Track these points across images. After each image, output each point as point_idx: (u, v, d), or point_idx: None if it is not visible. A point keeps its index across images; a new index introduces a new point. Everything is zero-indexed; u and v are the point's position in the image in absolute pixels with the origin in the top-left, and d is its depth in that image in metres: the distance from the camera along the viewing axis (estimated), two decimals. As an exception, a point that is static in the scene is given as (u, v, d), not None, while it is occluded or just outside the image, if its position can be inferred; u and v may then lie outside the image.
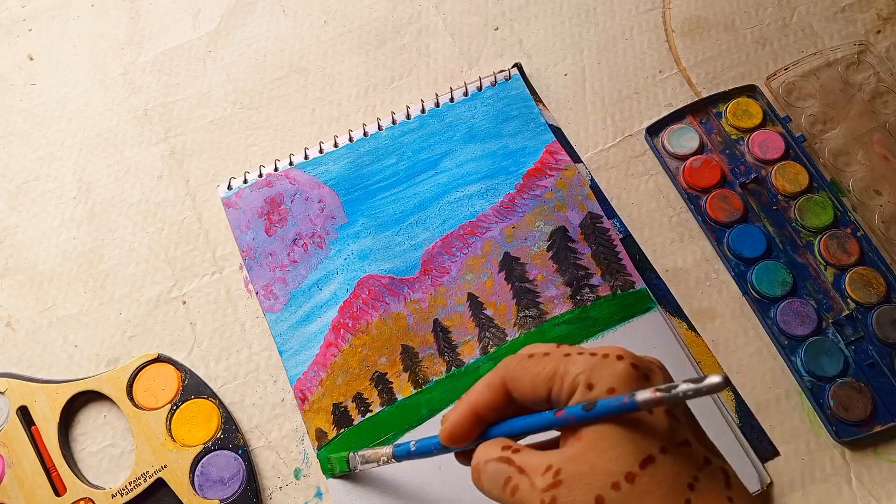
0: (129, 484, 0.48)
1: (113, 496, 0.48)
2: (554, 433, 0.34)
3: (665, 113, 0.58)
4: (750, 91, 0.58)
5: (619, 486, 0.29)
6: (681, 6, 0.62)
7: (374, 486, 0.48)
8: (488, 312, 0.52)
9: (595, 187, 0.56)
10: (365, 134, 0.58)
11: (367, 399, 0.50)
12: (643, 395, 0.29)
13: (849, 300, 0.52)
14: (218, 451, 0.49)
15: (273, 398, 0.51)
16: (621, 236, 0.54)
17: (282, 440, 0.50)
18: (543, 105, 0.59)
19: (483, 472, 0.34)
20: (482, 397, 0.35)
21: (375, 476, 0.48)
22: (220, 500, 0.48)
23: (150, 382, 0.51)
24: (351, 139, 0.58)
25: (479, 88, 0.59)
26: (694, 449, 0.31)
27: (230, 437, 0.50)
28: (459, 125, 0.58)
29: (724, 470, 0.31)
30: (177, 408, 0.50)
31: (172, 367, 0.51)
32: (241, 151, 0.59)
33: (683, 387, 0.28)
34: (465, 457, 0.37)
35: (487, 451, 0.34)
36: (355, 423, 0.50)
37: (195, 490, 0.48)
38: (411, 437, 0.48)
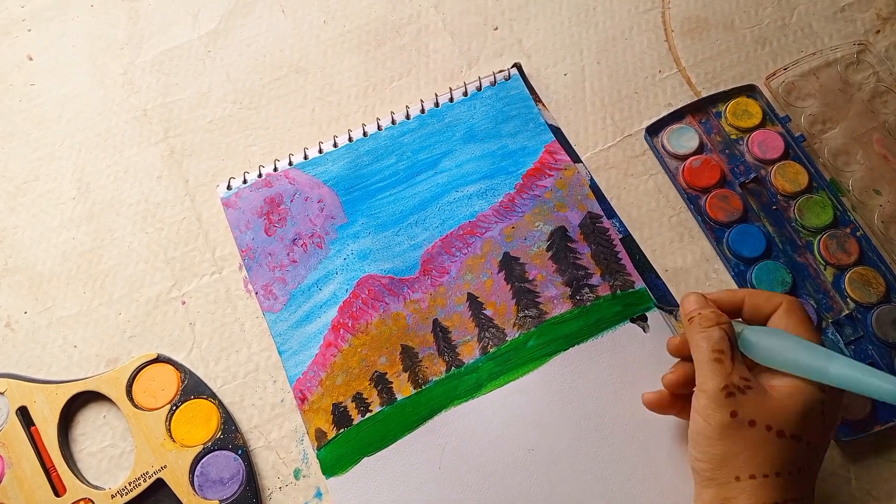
0: (129, 484, 0.48)
1: (112, 496, 0.48)
2: None
3: (665, 113, 0.58)
4: (749, 91, 0.58)
5: (770, 428, 0.38)
6: (680, 6, 0.62)
7: (374, 486, 0.48)
8: (488, 312, 0.52)
9: (595, 187, 0.56)
10: (364, 134, 0.58)
11: (366, 399, 0.50)
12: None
13: (848, 300, 0.52)
14: (217, 452, 0.49)
15: (273, 398, 0.51)
16: (621, 236, 0.54)
17: (281, 440, 0.50)
18: (543, 105, 0.59)
19: (712, 331, 0.41)
20: (757, 298, 0.43)
21: (375, 476, 0.48)
22: (220, 501, 0.48)
23: (149, 383, 0.51)
24: (350, 139, 0.58)
25: (479, 88, 0.59)
26: (816, 459, 0.40)
27: (230, 437, 0.49)
28: (459, 125, 0.58)
29: (813, 486, 0.40)
30: (176, 408, 0.50)
31: (172, 367, 0.51)
32: (241, 151, 0.59)
33: None
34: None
35: (728, 324, 0.41)
36: (355, 422, 0.50)
37: (195, 490, 0.48)
38: (412, 437, 0.49)
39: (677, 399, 0.45)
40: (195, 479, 0.48)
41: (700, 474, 0.40)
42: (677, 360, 0.45)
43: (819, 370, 0.38)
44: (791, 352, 0.39)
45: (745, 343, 0.41)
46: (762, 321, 0.42)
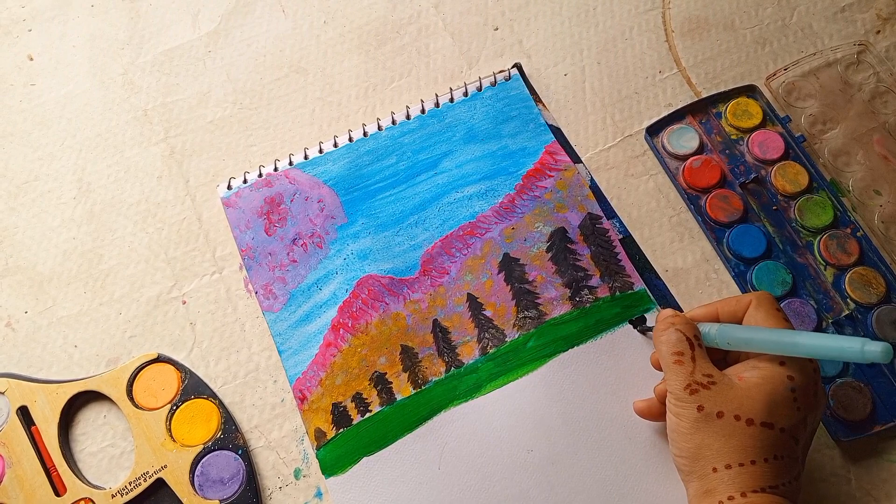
0: (129, 484, 0.48)
1: (113, 496, 0.48)
2: None
3: (665, 113, 0.58)
4: (750, 91, 0.58)
5: (739, 418, 0.39)
6: (680, 6, 0.62)
7: (374, 486, 0.48)
8: (488, 313, 0.52)
9: (595, 187, 0.56)
10: (365, 134, 0.58)
11: (366, 399, 0.50)
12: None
13: (848, 300, 0.52)
14: (218, 452, 0.49)
15: (273, 398, 0.51)
16: (621, 237, 0.54)
17: (282, 440, 0.50)
18: (543, 105, 0.59)
19: (668, 334, 0.43)
20: (728, 305, 0.44)
21: (375, 476, 0.48)
22: (220, 501, 0.48)
23: (149, 382, 0.51)
24: (351, 139, 0.58)
25: (479, 89, 0.59)
26: (795, 446, 0.40)
27: (230, 437, 0.50)
28: (459, 125, 0.58)
29: (797, 472, 0.40)
30: (177, 408, 0.50)
31: (172, 367, 0.51)
32: (241, 151, 0.59)
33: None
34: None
35: (685, 325, 0.43)
36: (354, 422, 0.50)
37: (195, 490, 0.48)
38: (412, 438, 0.49)
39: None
40: (195, 478, 0.49)
41: (681, 470, 0.42)
42: None
43: (787, 343, 0.39)
44: (758, 332, 0.41)
45: (718, 335, 0.43)
46: (739, 322, 0.44)
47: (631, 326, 0.51)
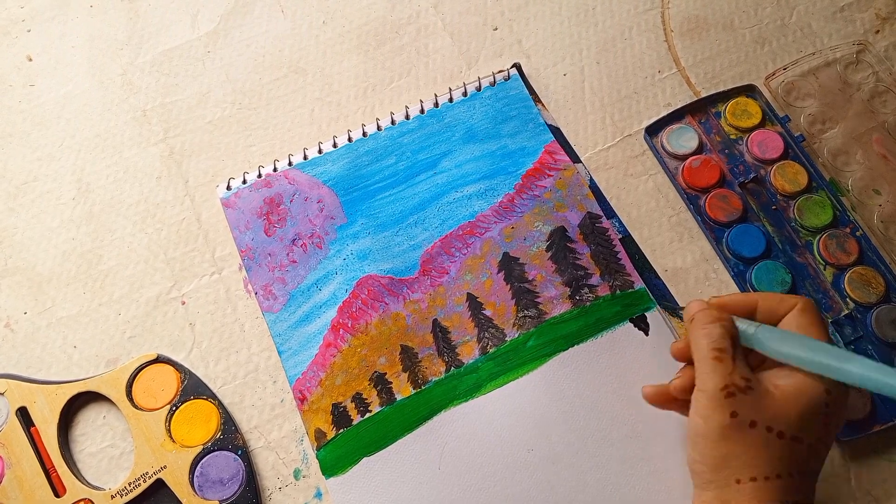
0: (129, 485, 0.48)
1: (112, 497, 0.48)
2: None
3: (664, 113, 0.58)
4: (749, 91, 0.58)
5: (771, 430, 0.38)
6: (680, 6, 0.62)
7: (374, 487, 0.48)
8: (487, 313, 0.52)
9: (594, 187, 0.56)
10: (364, 134, 0.58)
11: (366, 399, 0.50)
12: None
13: (848, 300, 0.52)
14: (217, 452, 0.49)
15: (272, 399, 0.51)
16: (620, 236, 0.54)
17: (281, 441, 0.50)
18: (542, 105, 0.59)
19: (712, 328, 0.40)
20: (770, 301, 0.42)
21: (375, 476, 0.48)
22: (220, 501, 0.48)
23: (149, 383, 0.51)
24: (350, 139, 0.58)
25: (478, 89, 0.59)
26: (818, 461, 0.39)
27: (229, 437, 0.49)
28: (458, 125, 0.58)
29: (813, 487, 0.39)
30: (176, 408, 0.50)
31: (172, 367, 0.51)
32: (240, 152, 0.59)
33: None
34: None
35: (729, 322, 0.41)
36: (354, 423, 0.50)
37: (195, 491, 0.48)
38: (412, 438, 0.49)
39: (678, 400, 0.44)
40: (195, 479, 0.48)
41: (699, 476, 0.39)
42: (682, 364, 0.44)
43: (838, 369, 0.37)
44: (808, 349, 0.38)
45: (759, 339, 0.40)
46: (776, 323, 0.42)
47: (632, 324, 0.51)
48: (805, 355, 0.38)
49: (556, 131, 0.58)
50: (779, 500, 0.37)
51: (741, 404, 0.38)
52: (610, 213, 0.55)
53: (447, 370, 0.51)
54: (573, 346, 0.51)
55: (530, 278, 0.53)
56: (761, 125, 0.57)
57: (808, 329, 0.40)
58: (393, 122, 0.58)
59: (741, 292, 0.44)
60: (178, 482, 0.48)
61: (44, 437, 0.50)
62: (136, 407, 0.50)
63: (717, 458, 0.38)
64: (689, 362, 0.43)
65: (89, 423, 0.51)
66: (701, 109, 0.58)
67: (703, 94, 0.58)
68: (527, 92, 0.59)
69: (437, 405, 0.50)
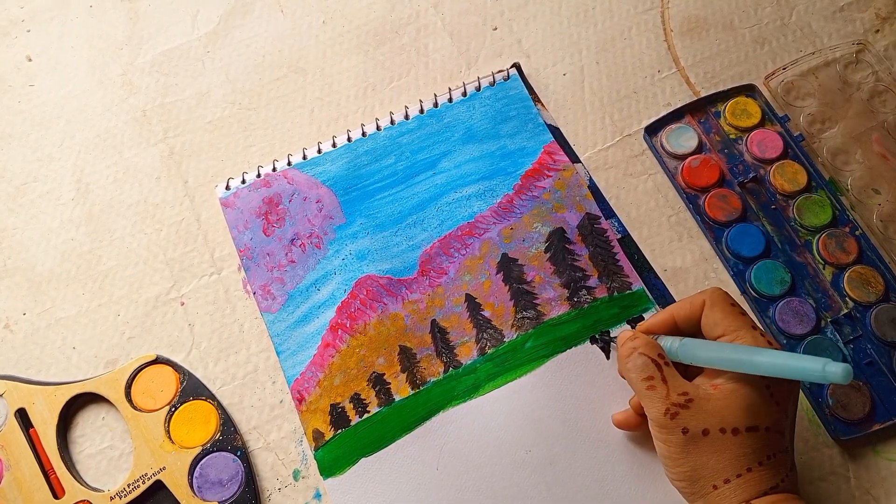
0: (128, 486, 0.48)
1: (111, 498, 0.48)
2: None
3: (664, 112, 0.58)
4: (748, 90, 0.58)
5: (724, 430, 0.38)
6: (679, 6, 0.62)
7: (372, 487, 0.48)
8: (486, 313, 0.52)
9: (593, 187, 0.56)
10: (363, 134, 0.58)
11: (364, 399, 0.50)
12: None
13: (847, 299, 0.52)
14: (216, 453, 0.49)
15: (272, 399, 0.51)
16: (619, 236, 0.54)
17: (280, 441, 0.50)
18: (542, 105, 0.59)
19: (633, 360, 0.41)
20: (683, 309, 0.43)
21: (373, 477, 0.48)
22: (219, 502, 0.48)
23: (148, 384, 0.51)
24: (349, 139, 0.58)
25: (478, 89, 0.59)
26: (783, 439, 0.40)
27: (229, 438, 0.50)
28: (458, 126, 0.58)
29: (791, 462, 0.40)
30: (175, 409, 0.50)
31: (171, 368, 0.51)
32: (240, 152, 0.59)
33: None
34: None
35: (647, 346, 0.42)
36: (353, 423, 0.50)
37: (194, 492, 0.48)
38: (410, 438, 0.49)
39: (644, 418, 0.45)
40: (194, 480, 0.49)
41: (682, 492, 0.41)
42: None
43: (749, 362, 0.38)
44: (720, 350, 0.40)
45: (681, 353, 0.42)
46: (697, 325, 0.43)
47: (629, 327, 0.51)
48: (719, 356, 0.40)
49: (555, 131, 0.58)
50: (761, 491, 0.38)
51: (688, 419, 0.39)
52: (609, 214, 0.55)
53: (445, 371, 0.51)
54: (571, 347, 0.51)
55: (529, 279, 0.53)
56: (761, 125, 0.57)
57: (723, 320, 0.41)
58: (392, 123, 0.58)
59: (661, 309, 0.46)
60: (177, 483, 0.48)
61: (43, 438, 0.50)
62: (135, 408, 0.50)
63: (688, 473, 0.39)
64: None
65: (88, 424, 0.51)
66: (700, 109, 0.58)
67: (703, 94, 0.58)
68: (526, 92, 0.59)
69: (435, 406, 0.50)
